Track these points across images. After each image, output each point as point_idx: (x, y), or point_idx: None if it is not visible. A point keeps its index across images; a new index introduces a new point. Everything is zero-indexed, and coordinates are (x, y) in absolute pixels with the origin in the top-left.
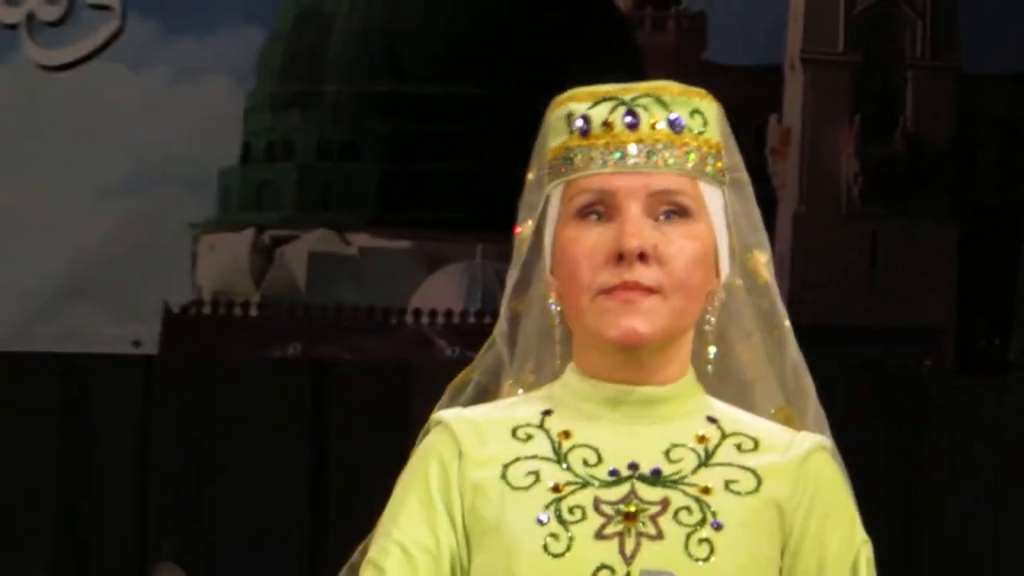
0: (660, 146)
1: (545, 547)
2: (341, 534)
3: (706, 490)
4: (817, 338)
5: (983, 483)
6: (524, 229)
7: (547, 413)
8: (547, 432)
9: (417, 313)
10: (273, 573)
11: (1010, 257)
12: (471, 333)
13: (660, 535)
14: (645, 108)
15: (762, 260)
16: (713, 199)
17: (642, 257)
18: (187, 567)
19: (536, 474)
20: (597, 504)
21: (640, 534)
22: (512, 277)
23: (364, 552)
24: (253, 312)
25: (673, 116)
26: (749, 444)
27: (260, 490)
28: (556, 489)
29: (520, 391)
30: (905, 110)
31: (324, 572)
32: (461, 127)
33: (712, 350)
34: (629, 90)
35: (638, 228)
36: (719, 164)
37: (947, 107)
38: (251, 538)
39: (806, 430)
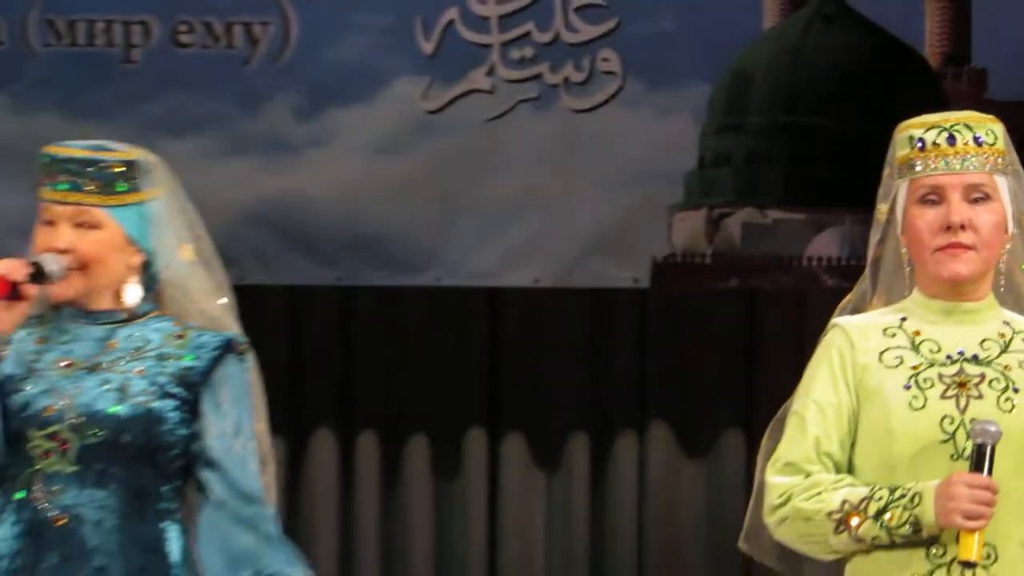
0: (970, 155)
1: (910, 404)
2: (769, 406)
3: (1007, 367)
4: None
5: None
6: (883, 207)
7: (903, 319)
8: (905, 331)
9: (810, 259)
10: (715, 434)
11: None
12: (845, 271)
13: (980, 396)
14: (959, 131)
15: None
16: (1003, 185)
17: (962, 227)
18: (675, 428)
19: (900, 358)
20: (940, 377)
21: (968, 396)
22: (874, 237)
23: (785, 412)
24: (707, 260)
25: (977, 135)
26: None
27: (701, 366)
28: (914, 368)
29: (881, 308)
30: None
31: (756, 432)
32: (835, 144)
33: (1002, 280)
34: (948, 120)
35: (960, 209)
36: (1005, 161)
37: None
38: (701, 409)
39: None
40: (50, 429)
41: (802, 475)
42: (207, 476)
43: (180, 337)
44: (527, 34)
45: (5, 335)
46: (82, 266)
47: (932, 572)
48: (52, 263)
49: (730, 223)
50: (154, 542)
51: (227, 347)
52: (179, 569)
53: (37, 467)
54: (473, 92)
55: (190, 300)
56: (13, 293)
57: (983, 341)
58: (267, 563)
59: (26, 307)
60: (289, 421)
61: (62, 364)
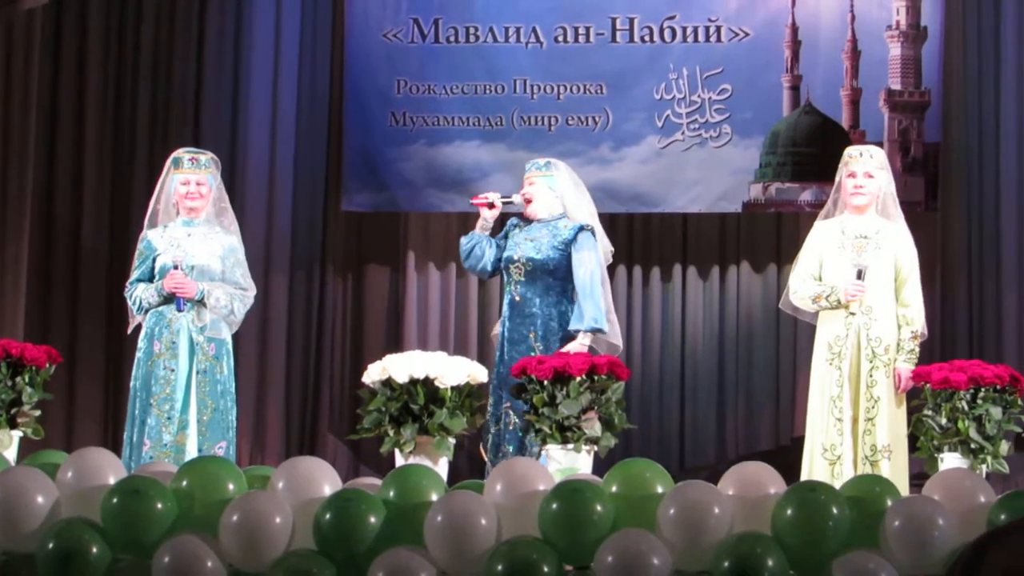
0: (867, 162)
1: (839, 253)
2: (790, 255)
3: (877, 240)
4: None
5: None
6: (836, 179)
7: (840, 222)
8: (840, 226)
9: (801, 200)
10: (767, 266)
11: None
12: (815, 205)
13: (865, 250)
14: (864, 151)
15: None
16: (880, 174)
17: (862, 187)
18: (751, 264)
19: (837, 236)
20: (851, 243)
21: (860, 250)
22: (833, 191)
23: (797, 260)
24: (762, 202)
25: (871, 154)
26: None
27: (757, 239)
28: (841, 241)
29: (833, 216)
30: None
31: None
32: (809, 158)
33: (877, 206)
34: (860, 148)
35: (862, 180)
36: (881, 164)
37: None
38: (762, 253)
39: None
40: (514, 264)
41: (801, 281)
42: None
43: (565, 228)
44: (695, 118)
45: (488, 223)
46: (527, 202)
47: (847, 317)
48: (502, 198)
49: (770, 187)
50: None
51: (581, 228)
52: None
53: (514, 278)
54: (675, 141)
55: (571, 208)
56: (490, 207)
57: (867, 229)
58: None
59: (494, 214)
60: None
61: (523, 238)
